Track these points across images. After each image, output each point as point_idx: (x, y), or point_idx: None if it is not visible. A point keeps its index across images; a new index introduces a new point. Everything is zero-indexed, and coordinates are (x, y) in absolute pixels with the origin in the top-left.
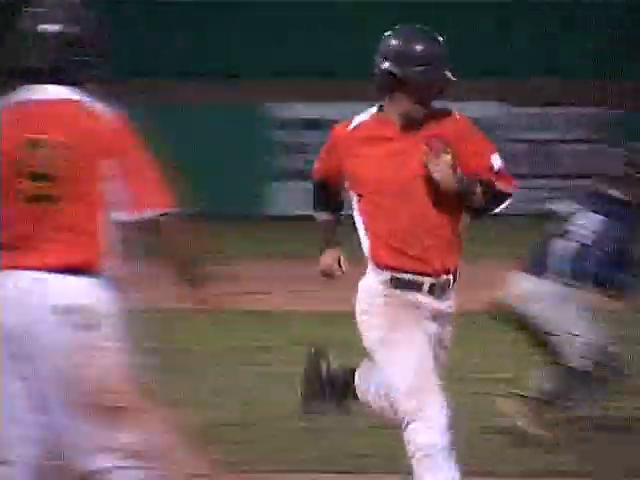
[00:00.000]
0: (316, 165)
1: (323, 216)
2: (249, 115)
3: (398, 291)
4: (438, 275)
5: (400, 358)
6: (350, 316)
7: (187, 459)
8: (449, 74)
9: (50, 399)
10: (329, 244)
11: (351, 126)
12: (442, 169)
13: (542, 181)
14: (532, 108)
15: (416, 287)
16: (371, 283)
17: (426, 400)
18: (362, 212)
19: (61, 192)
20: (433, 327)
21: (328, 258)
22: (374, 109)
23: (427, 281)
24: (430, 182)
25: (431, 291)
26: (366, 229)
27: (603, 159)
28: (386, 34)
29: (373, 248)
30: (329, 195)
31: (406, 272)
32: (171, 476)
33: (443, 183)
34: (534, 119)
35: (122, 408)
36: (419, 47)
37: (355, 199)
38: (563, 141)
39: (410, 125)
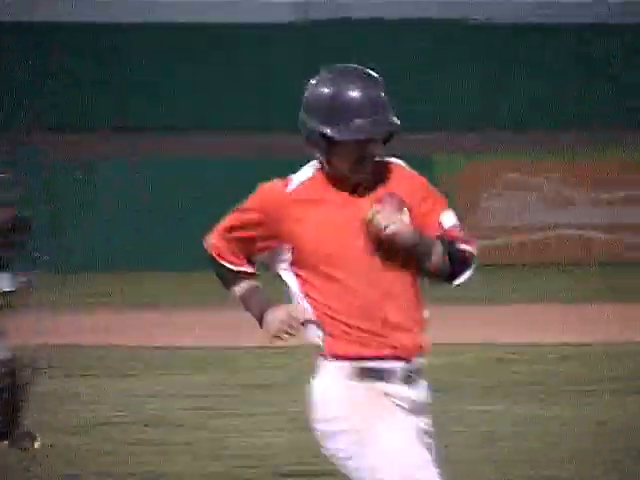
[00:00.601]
0: (217, 242)
1: (243, 286)
2: None
3: (365, 383)
4: (411, 357)
5: (387, 455)
6: None
7: None
8: (393, 118)
9: None
10: (268, 305)
11: (289, 187)
12: (395, 221)
13: None
14: None
15: (386, 376)
16: (329, 382)
17: None
18: (309, 291)
19: None
20: (411, 420)
21: (279, 313)
22: (312, 168)
23: (399, 367)
24: (387, 245)
25: (405, 379)
26: (316, 312)
27: None
28: (310, 82)
29: (328, 335)
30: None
31: (373, 358)
32: None
33: (398, 237)
34: None
35: None
36: (353, 95)
37: (295, 278)
38: None
39: (357, 185)
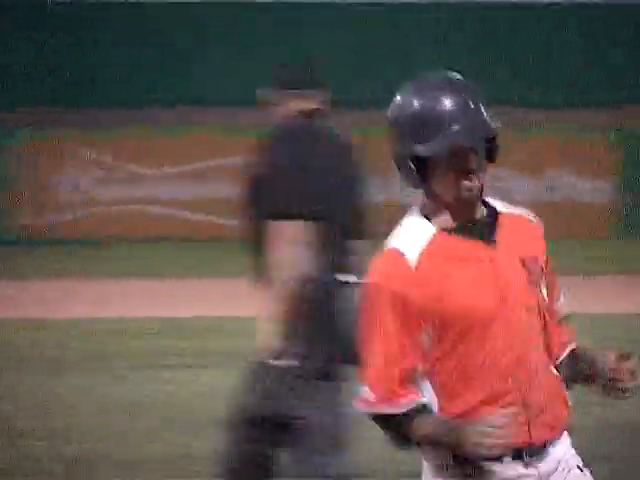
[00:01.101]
0: (380, 389)
1: (424, 419)
2: None
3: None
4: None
5: None
6: None
7: None
8: (490, 121)
9: None
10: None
11: (410, 262)
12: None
13: None
14: None
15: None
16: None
17: None
18: (450, 363)
19: None
20: None
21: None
22: (421, 224)
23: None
24: (538, 314)
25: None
26: (446, 391)
27: None
28: (394, 99)
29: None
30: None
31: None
32: None
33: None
34: None
35: None
36: (443, 103)
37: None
38: None
39: (480, 227)
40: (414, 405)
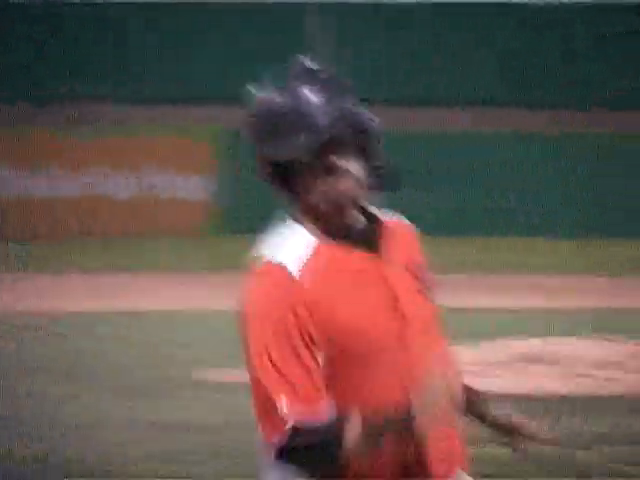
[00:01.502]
0: (291, 398)
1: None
2: None
3: None
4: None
5: None
6: None
7: None
8: (361, 113)
9: None
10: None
11: (295, 273)
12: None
13: None
14: None
15: None
16: None
17: None
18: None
19: None
20: None
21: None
22: (302, 235)
23: None
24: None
25: None
26: None
27: None
28: (250, 103)
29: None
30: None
31: None
32: None
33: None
34: None
35: None
36: (297, 97)
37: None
38: None
39: (363, 237)
40: (333, 411)
